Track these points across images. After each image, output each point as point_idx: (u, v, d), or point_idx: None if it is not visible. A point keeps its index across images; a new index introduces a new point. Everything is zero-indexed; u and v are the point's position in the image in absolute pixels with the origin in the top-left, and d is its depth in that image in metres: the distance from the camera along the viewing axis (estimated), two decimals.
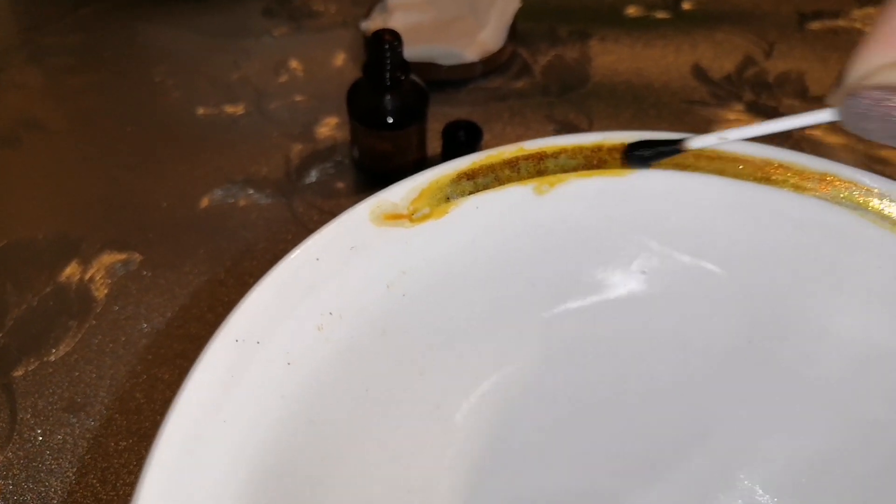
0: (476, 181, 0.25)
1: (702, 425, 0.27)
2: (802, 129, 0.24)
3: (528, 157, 0.26)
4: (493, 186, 0.26)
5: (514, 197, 0.26)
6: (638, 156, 0.25)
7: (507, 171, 0.26)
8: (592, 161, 0.26)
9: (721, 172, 0.26)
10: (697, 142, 0.24)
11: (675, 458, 0.27)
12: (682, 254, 0.27)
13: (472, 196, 0.25)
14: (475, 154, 0.26)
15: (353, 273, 0.24)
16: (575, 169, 0.26)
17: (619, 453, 0.27)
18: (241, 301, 0.21)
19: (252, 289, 0.21)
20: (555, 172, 0.26)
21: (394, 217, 0.24)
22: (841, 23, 0.58)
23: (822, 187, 0.25)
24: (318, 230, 0.23)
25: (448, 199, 0.25)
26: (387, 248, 0.24)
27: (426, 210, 0.25)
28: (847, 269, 0.25)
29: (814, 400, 0.26)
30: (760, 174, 0.25)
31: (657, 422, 0.27)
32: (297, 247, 0.23)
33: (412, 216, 0.24)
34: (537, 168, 0.26)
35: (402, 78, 0.42)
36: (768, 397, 0.27)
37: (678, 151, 0.25)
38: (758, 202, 0.25)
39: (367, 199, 0.24)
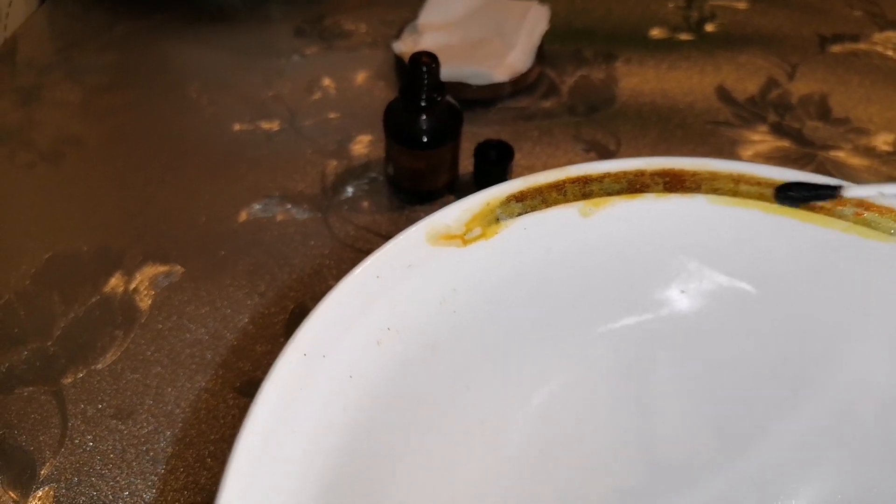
0: (524, 203, 0.27)
1: (738, 439, 0.28)
2: None
3: (574, 181, 0.27)
4: (541, 208, 0.27)
5: (561, 218, 0.27)
6: (790, 196, 0.26)
7: (554, 194, 0.27)
8: (636, 185, 0.27)
9: (760, 197, 0.27)
10: (854, 191, 0.25)
11: (712, 469, 0.28)
12: (720, 274, 0.28)
13: (520, 217, 0.27)
14: (523, 178, 0.27)
15: (409, 290, 0.25)
16: (619, 192, 0.27)
17: (657, 465, 0.28)
18: (308, 316, 0.22)
19: (318, 304, 0.23)
20: (600, 195, 0.27)
21: (448, 237, 0.25)
22: (862, 46, 0.60)
23: (858, 214, 0.26)
24: (378, 249, 0.24)
25: (498, 220, 0.26)
26: (441, 266, 0.25)
27: (478, 231, 0.26)
28: (880, 294, 0.25)
29: (848, 421, 0.27)
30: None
31: (694, 436, 0.28)
32: (358, 264, 0.24)
33: (465, 237, 0.26)
34: (583, 191, 0.27)
35: (438, 99, 0.43)
36: (803, 416, 0.27)
37: (834, 197, 0.25)
38: (795, 228, 0.26)
39: (423, 219, 0.25)
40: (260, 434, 0.20)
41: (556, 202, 0.27)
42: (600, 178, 0.27)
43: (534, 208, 0.27)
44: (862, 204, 0.26)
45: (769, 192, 0.27)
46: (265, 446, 0.20)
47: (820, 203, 0.26)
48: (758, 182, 0.27)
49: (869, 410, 0.27)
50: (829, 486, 0.28)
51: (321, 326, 0.22)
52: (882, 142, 0.51)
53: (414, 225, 0.25)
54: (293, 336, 0.22)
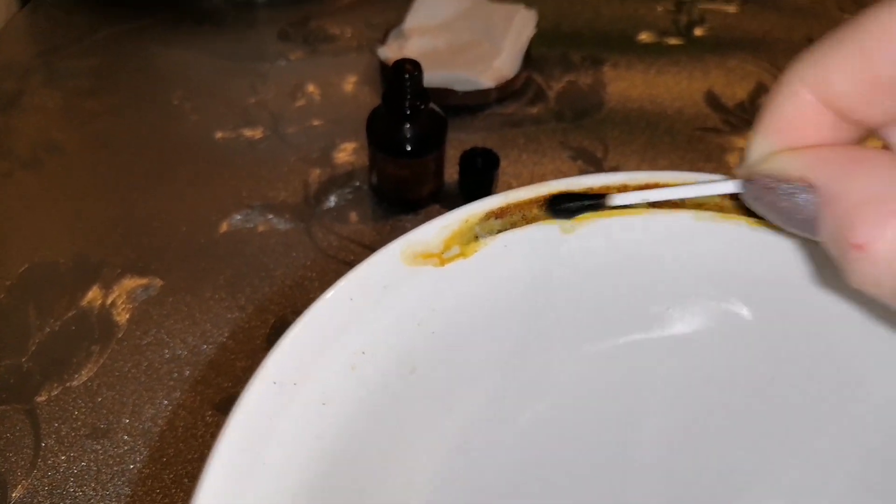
0: (504, 220, 0.26)
1: (735, 466, 0.27)
2: (714, 195, 0.25)
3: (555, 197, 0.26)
4: (521, 224, 0.26)
5: (541, 235, 0.26)
6: (562, 209, 0.25)
7: (534, 210, 0.26)
8: None
9: (747, 213, 0.26)
10: (619, 199, 0.25)
11: (706, 497, 0.28)
12: (707, 292, 0.27)
13: (500, 234, 0.26)
14: (503, 194, 0.26)
15: (385, 312, 0.24)
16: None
17: (648, 488, 0.28)
18: (278, 342, 0.21)
19: (288, 330, 0.22)
20: None
21: (425, 256, 0.24)
22: None
23: None
24: (352, 270, 0.23)
25: (477, 237, 0.26)
26: (418, 286, 0.24)
27: (456, 249, 0.25)
28: (876, 308, 0.25)
29: (842, 438, 0.26)
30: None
31: (687, 459, 0.28)
32: (330, 287, 0.23)
33: (443, 255, 0.25)
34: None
35: (422, 107, 0.42)
36: (794, 435, 0.27)
37: (601, 207, 0.25)
38: (781, 243, 0.26)
39: (399, 238, 0.24)
40: (227, 469, 0.19)
41: (536, 218, 0.26)
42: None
43: (514, 225, 0.26)
44: None
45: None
46: (233, 482, 0.19)
47: (589, 213, 0.26)
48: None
49: (878, 434, 0.26)
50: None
51: (291, 353, 0.21)
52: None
53: (389, 244, 0.24)
54: (262, 364, 0.21)
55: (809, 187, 0.19)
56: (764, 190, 0.21)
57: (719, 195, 0.26)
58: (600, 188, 0.25)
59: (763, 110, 0.20)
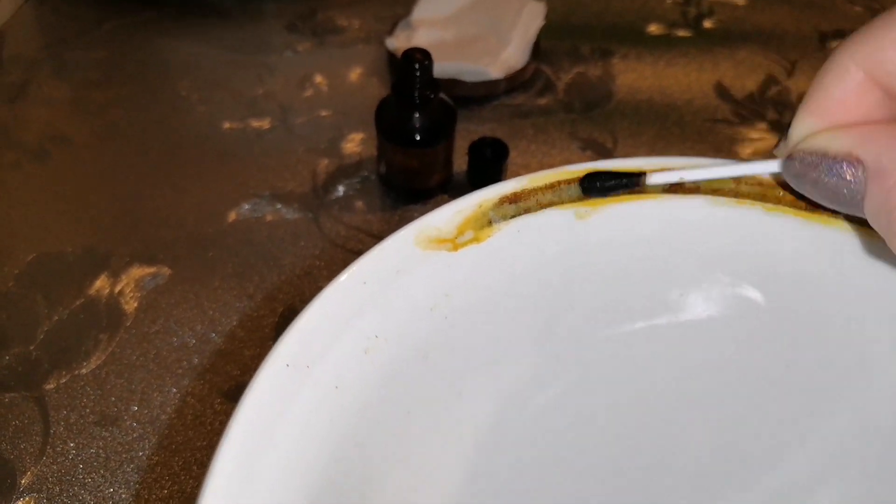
0: (518, 205, 0.26)
1: (746, 452, 0.27)
2: (753, 175, 0.25)
3: (569, 182, 0.26)
4: (535, 210, 0.26)
5: (556, 221, 0.26)
6: (595, 187, 0.25)
7: (548, 195, 0.26)
8: None
9: (762, 198, 0.26)
10: (657, 178, 0.24)
11: (717, 481, 0.27)
12: (721, 278, 0.27)
13: (513, 220, 0.26)
14: (517, 179, 0.26)
15: (398, 296, 0.24)
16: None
17: (659, 475, 0.28)
18: (291, 325, 0.21)
19: (301, 313, 0.22)
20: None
21: (439, 241, 0.24)
22: None
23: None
24: (365, 254, 0.23)
25: (490, 222, 0.25)
26: (431, 271, 0.24)
27: (470, 234, 0.25)
28: (888, 295, 0.25)
29: (855, 422, 0.26)
30: (802, 202, 0.25)
31: (699, 445, 0.27)
32: (344, 271, 0.23)
33: (456, 240, 0.25)
34: (579, 192, 0.26)
35: (432, 96, 0.42)
36: (807, 419, 0.27)
37: (636, 185, 0.25)
38: (798, 228, 0.25)
39: (412, 223, 0.24)
40: (239, 451, 0.19)
41: (550, 204, 0.26)
42: None
43: (528, 210, 0.26)
44: None
45: (771, 192, 0.26)
46: (245, 463, 0.19)
47: (625, 191, 0.25)
48: (759, 182, 0.26)
49: (891, 418, 0.26)
50: (839, 495, 0.27)
51: (305, 336, 0.21)
52: None
53: (402, 228, 0.24)
54: (275, 346, 0.21)
55: (856, 162, 0.19)
56: (808, 167, 0.21)
57: (763, 176, 0.25)
58: (636, 170, 0.25)
59: (810, 90, 0.20)
